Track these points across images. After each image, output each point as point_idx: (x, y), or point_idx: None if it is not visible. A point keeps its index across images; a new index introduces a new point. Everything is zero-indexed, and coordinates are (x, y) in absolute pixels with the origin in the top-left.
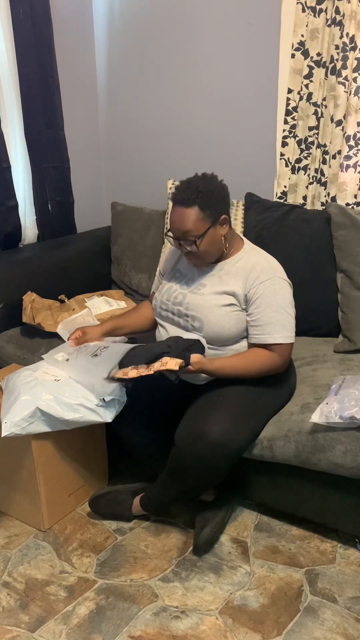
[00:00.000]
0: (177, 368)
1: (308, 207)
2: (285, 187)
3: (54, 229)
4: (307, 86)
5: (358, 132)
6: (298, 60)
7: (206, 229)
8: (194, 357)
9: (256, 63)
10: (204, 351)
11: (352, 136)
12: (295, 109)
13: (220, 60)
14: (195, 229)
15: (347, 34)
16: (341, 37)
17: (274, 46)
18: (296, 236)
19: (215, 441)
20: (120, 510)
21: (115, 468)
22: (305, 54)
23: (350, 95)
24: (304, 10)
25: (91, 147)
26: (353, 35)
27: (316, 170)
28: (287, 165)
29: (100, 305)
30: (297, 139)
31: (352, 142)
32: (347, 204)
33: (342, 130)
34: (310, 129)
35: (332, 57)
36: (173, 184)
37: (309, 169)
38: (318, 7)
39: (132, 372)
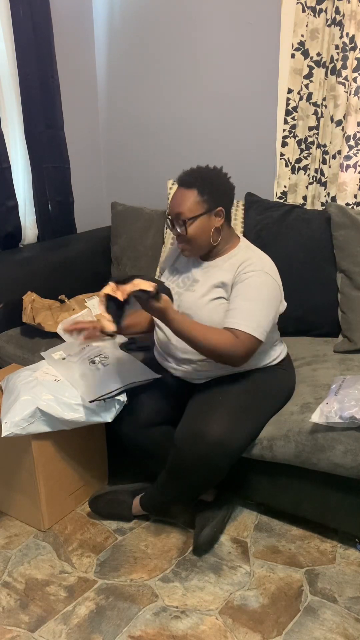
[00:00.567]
0: (151, 289)
1: (308, 207)
2: (285, 187)
3: (54, 229)
4: (307, 86)
5: (358, 132)
6: (298, 60)
7: (199, 213)
8: (164, 297)
9: (256, 63)
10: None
11: (352, 136)
12: (295, 109)
13: (220, 61)
14: (188, 210)
15: (347, 34)
16: (341, 37)
17: (274, 46)
18: (296, 236)
19: (214, 441)
20: (120, 511)
21: (115, 468)
22: (305, 54)
23: (350, 95)
24: (304, 10)
25: (91, 147)
26: (353, 35)
27: (316, 170)
28: (287, 165)
29: None
30: (297, 139)
31: (352, 142)
32: (347, 204)
33: (342, 130)
34: (310, 129)
35: (332, 57)
36: (173, 184)
37: (309, 169)
38: (318, 7)
39: (107, 288)
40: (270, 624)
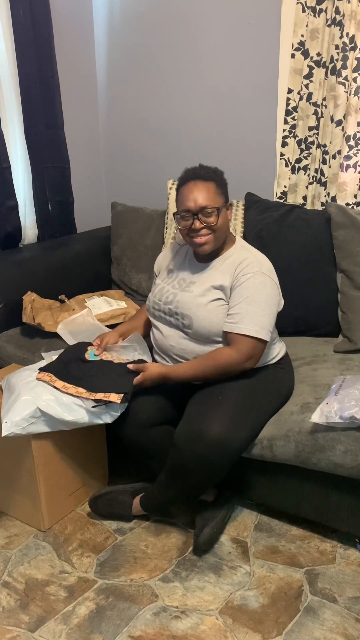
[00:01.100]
0: (119, 401)
1: (308, 207)
2: (285, 187)
3: (54, 229)
4: (307, 86)
5: (358, 132)
6: (298, 60)
7: (221, 204)
8: (148, 369)
9: (256, 63)
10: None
11: (352, 136)
12: (295, 109)
13: (220, 61)
14: (213, 201)
15: (347, 34)
16: (341, 37)
17: (274, 46)
18: (296, 236)
19: (214, 440)
20: (120, 511)
21: (115, 468)
22: (305, 54)
23: (350, 95)
24: (304, 10)
25: (91, 147)
26: (353, 35)
27: (316, 170)
28: (287, 165)
29: (100, 305)
30: (297, 139)
31: (352, 142)
32: (347, 204)
33: (342, 130)
34: (310, 129)
35: (332, 57)
36: (173, 184)
37: (309, 169)
38: (318, 7)
39: (59, 383)
40: (270, 624)
